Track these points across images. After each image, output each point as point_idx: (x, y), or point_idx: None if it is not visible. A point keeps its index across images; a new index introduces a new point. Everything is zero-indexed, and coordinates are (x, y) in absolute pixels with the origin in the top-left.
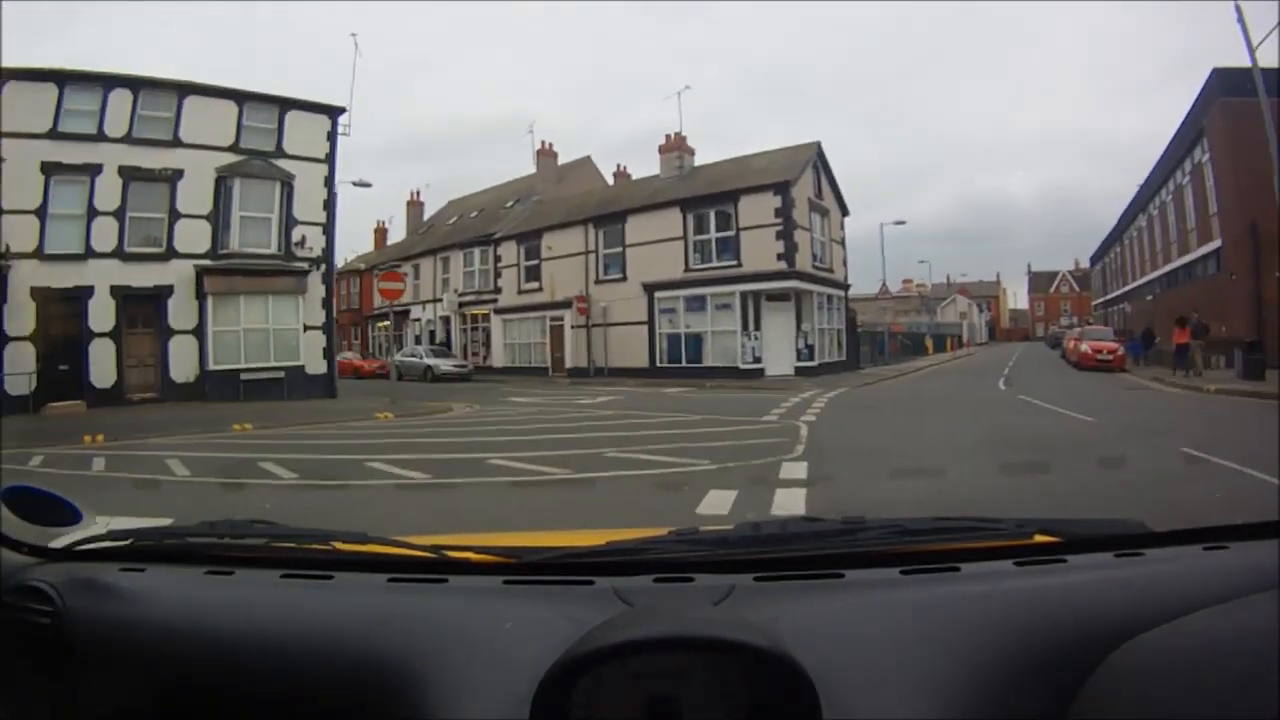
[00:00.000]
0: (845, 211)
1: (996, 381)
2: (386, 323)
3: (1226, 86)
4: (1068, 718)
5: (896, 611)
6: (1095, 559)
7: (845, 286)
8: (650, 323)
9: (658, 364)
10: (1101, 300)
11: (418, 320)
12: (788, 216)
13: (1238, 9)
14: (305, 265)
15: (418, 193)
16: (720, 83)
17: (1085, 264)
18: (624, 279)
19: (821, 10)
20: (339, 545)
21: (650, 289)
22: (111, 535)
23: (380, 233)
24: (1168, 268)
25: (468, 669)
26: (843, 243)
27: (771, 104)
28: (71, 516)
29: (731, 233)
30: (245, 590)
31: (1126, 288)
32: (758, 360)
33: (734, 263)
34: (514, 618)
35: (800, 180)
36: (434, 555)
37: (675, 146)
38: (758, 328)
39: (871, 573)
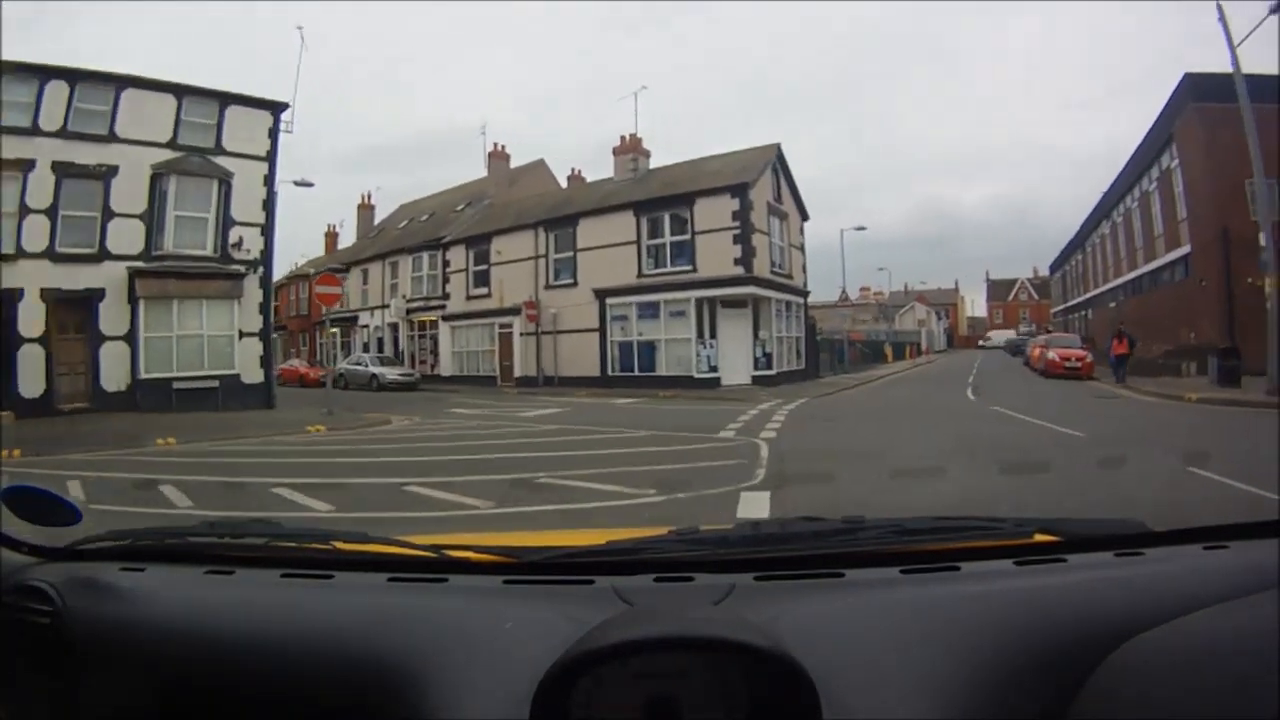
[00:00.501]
0: (805, 216)
1: (963, 390)
2: (335, 329)
3: (1198, 91)
4: (1068, 718)
5: (896, 611)
6: (1095, 559)
7: (804, 293)
8: (602, 330)
9: (609, 373)
10: (1061, 307)
11: (366, 327)
12: (745, 220)
13: (1220, 10)
14: (242, 268)
15: (369, 196)
16: (681, 94)
17: (1044, 272)
18: (575, 284)
19: (787, 22)
20: (339, 545)
21: (602, 295)
22: (111, 535)
23: (331, 237)
24: (1132, 274)
25: (468, 669)
26: (802, 248)
27: (733, 115)
28: (71, 516)
29: (686, 237)
30: (245, 590)
31: (1088, 294)
32: (713, 369)
33: (689, 268)
34: (514, 617)
35: (759, 183)
36: (434, 555)
37: (630, 148)
38: (713, 335)
39: (871, 572)
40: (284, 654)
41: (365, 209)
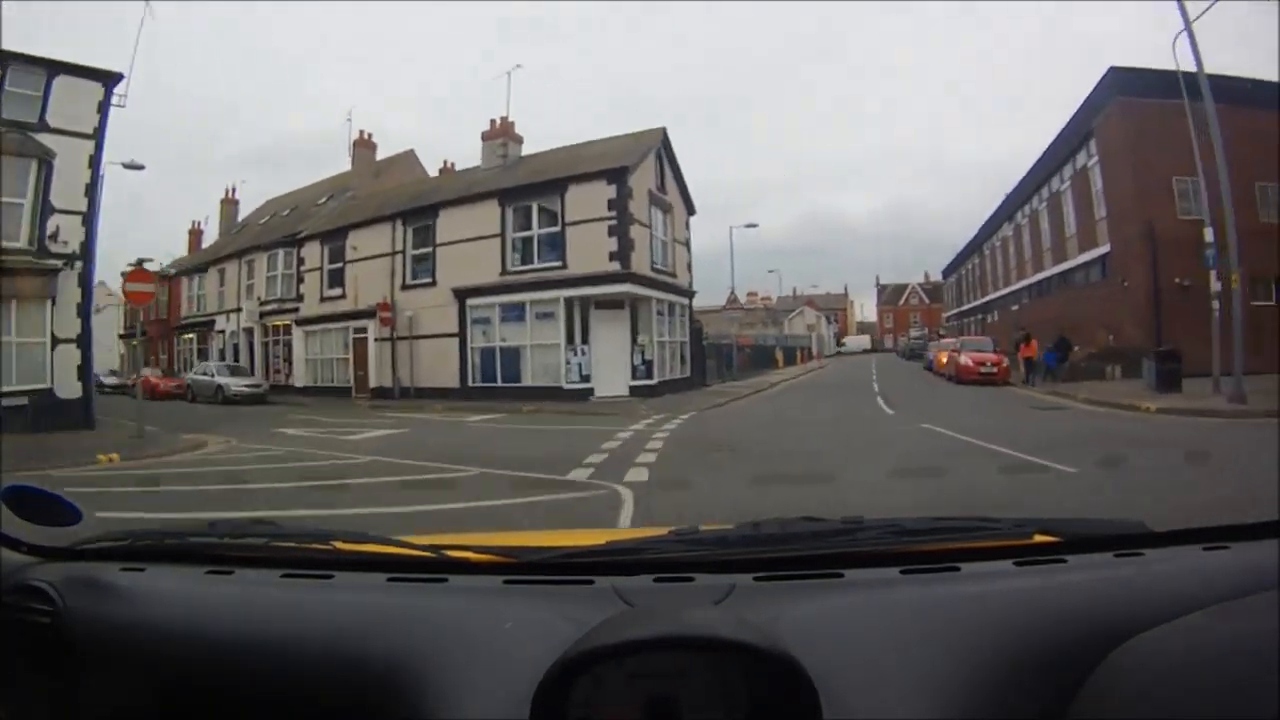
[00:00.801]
0: (691, 210)
1: (873, 399)
2: (192, 335)
3: (1123, 86)
4: (1068, 717)
5: (896, 611)
6: (1095, 559)
7: (690, 293)
8: (462, 335)
9: (470, 383)
10: (955, 311)
11: (222, 332)
12: (623, 209)
13: (1181, 9)
14: (58, 264)
15: (232, 190)
16: (568, 98)
17: (936, 277)
18: (434, 284)
19: (673, 27)
20: (339, 545)
21: (462, 295)
22: (111, 535)
23: (195, 234)
24: (1038, 276)
25: (468, 669)
26: (688, 245)
27: (617, 115)
28: (71, 516)
29: (557, 229)
30: (245, 590)
31: (986, 298)
32: (585, 379)
33: (558, 263)
34: (514, 617)
35: (640, 169)
36: (434, 555)
37: (500, 133)
38: (585, 341)
39: (871, 572)
40: (284, 654)
41: (229, 204)
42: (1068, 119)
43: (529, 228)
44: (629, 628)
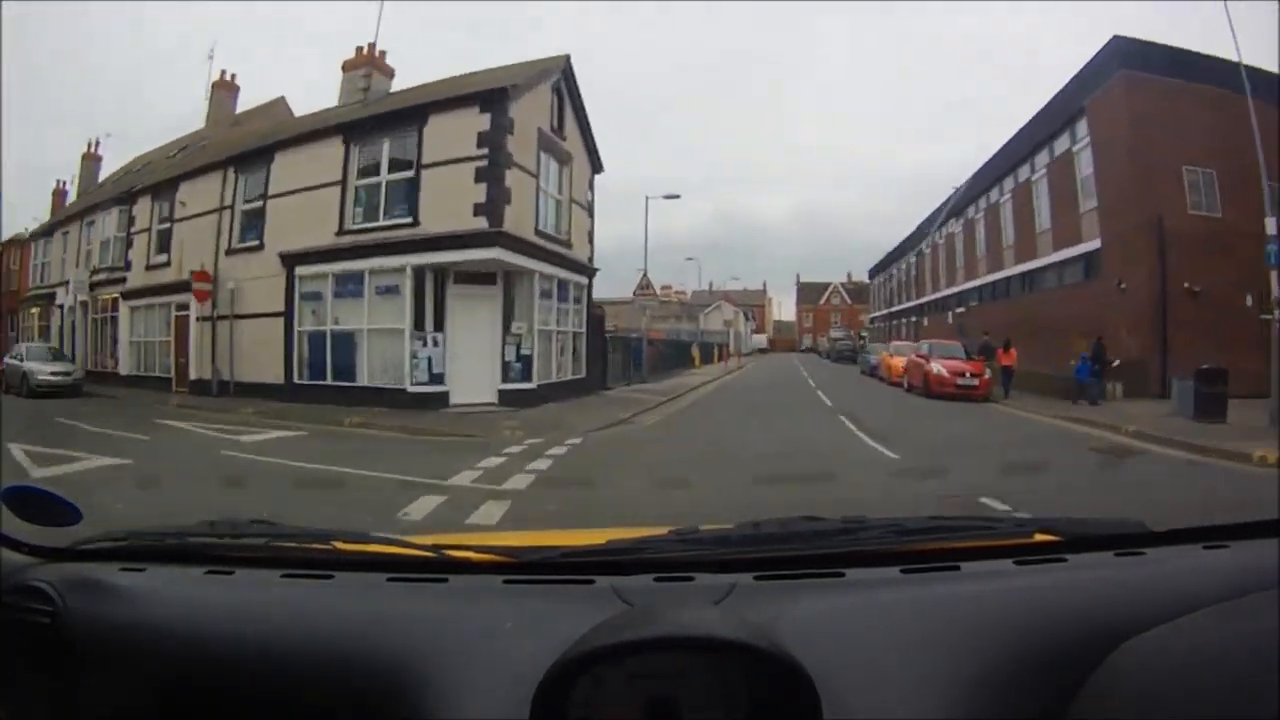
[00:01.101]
0: (598, 167)
1: (839, 422)
2: (36, 309)
3: (1129, 59)
4: (1068, 717)
5: (896, 611)
6: (1095, 558)
7: (590, 270)
8: (289, 314)
9: (296, 379)
10: (884, 313)
11: (61, 307)
12: (498, 146)
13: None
14: None
15: (95, 144)
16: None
17: (860, 277)
18: (260, 247)
19: (591, 23)
20: (339, 545)
21: (290, 262)
22: (111, 535)
23: (58, 194)
24: (994, 276)
25: (468, 669)
26: (590, 210)
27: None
28: (71, 516)
29: (410, 173)
30: (245, 590)
31: (924, 298)
32: (437, 379)
33: (408, 219)
34: (514, 617)
35: (529, 99)
36: (434, 555)
37: (363, 62)
38: (439, 326)
39: (872, 572)
40: (284, 654)
41: (90, 160)
42: (1013, 129)
43: (375, 173)
44: (629, 628)
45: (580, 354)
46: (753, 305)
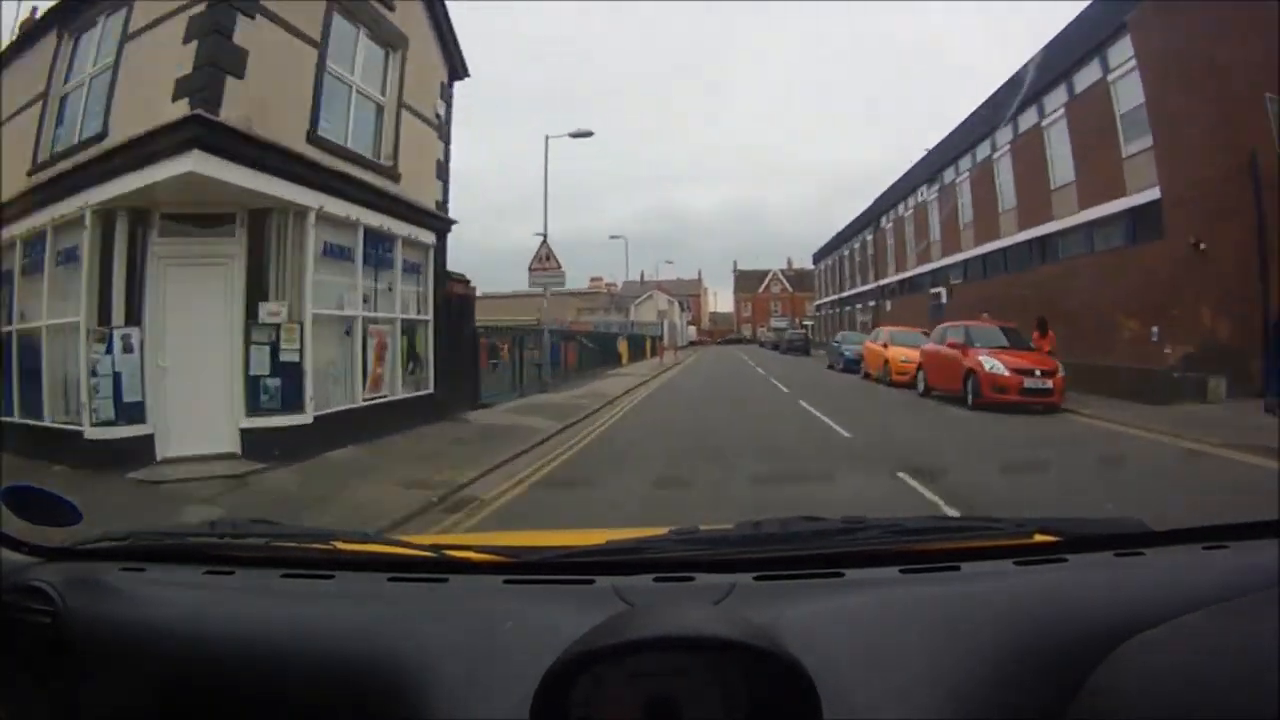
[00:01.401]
0: (459, 72)
1: (901, 482)
2: None
3: None
4: (1068, 717)
5: (896, 611)
6: (1095, 558)
7: (441, 224)
8: None
9: None
10: (833, 299)
11: None
12: None
13: None
14: None
15: None
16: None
17: (801, 263)
18: None
19: (527, 24)
20: (340, 545)
21: None
22: (111, 535)
23: None
24: (987, 247)
25: (468, 669)
26: (441, 133)
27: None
28: (72, 516)
29: (112, 57)
30: (245, 590)
31: (884, 280)
32: (133, 412)
33: (98, 131)
34: (514, 617)
35: None
36: (434, 555)
37: None
38: (134, 317)
39: (872, 572)
40: (284, 654)
41: None
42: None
43: (79, 72)
44: (629, 628)
45: (425, 358)
46: (688, 295)
